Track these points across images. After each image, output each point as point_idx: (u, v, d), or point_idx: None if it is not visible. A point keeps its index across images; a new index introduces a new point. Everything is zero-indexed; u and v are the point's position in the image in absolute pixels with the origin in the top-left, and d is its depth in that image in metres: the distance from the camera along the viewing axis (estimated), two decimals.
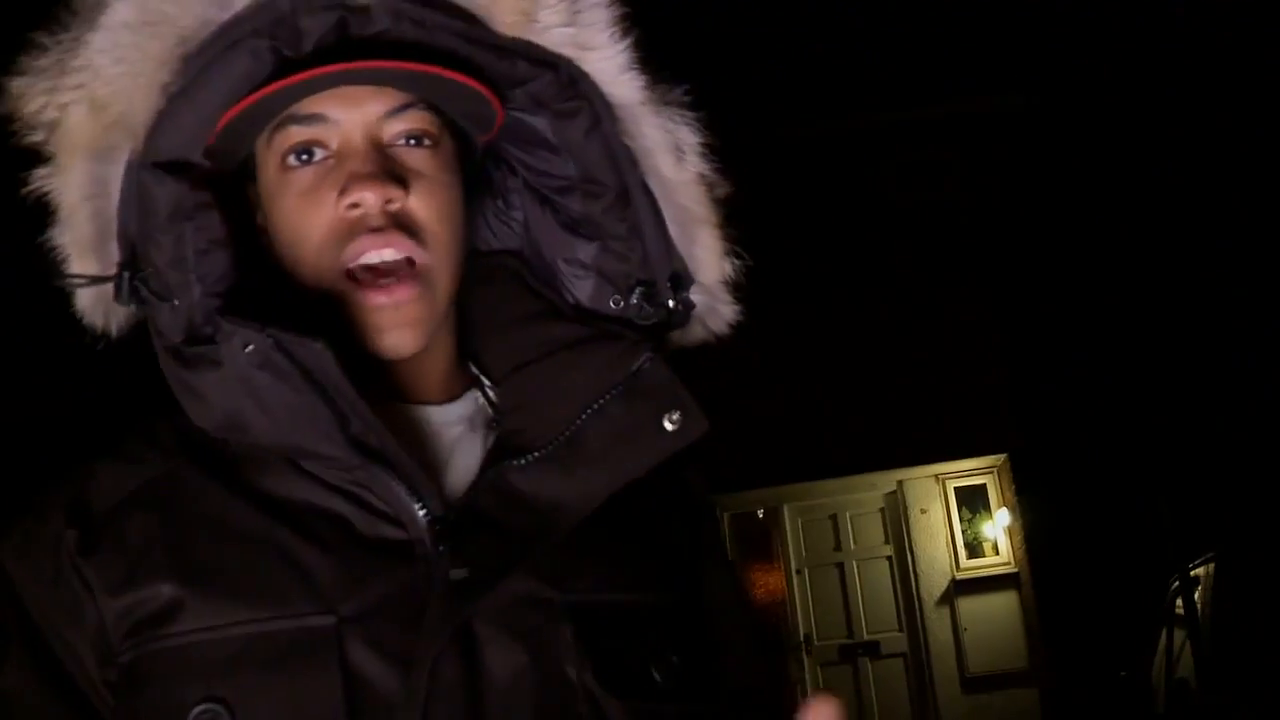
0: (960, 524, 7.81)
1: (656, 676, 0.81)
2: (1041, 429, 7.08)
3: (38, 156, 0.84)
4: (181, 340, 0.82)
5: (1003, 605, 7.66)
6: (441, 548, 0.78)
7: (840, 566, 8.22)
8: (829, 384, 7.25)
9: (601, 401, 0.85)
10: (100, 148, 0.82)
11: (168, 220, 0.82)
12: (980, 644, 7.63)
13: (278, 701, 0.74)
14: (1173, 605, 5.96)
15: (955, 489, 7.85)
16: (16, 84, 0.81)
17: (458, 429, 0.89)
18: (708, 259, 0.92)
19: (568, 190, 0.92)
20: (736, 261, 0.93)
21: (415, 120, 0.85)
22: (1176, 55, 6.26)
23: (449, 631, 0.76)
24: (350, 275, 0.83)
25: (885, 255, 7.40)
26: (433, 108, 0.86)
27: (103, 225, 0.85)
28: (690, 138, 0.90)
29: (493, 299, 0.96)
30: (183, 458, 0.84)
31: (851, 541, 8.23)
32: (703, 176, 0.91)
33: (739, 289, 0.95)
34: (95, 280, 0.86)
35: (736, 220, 0.93)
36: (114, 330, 0.89)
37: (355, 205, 0.82)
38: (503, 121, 0.90)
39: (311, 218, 0.83)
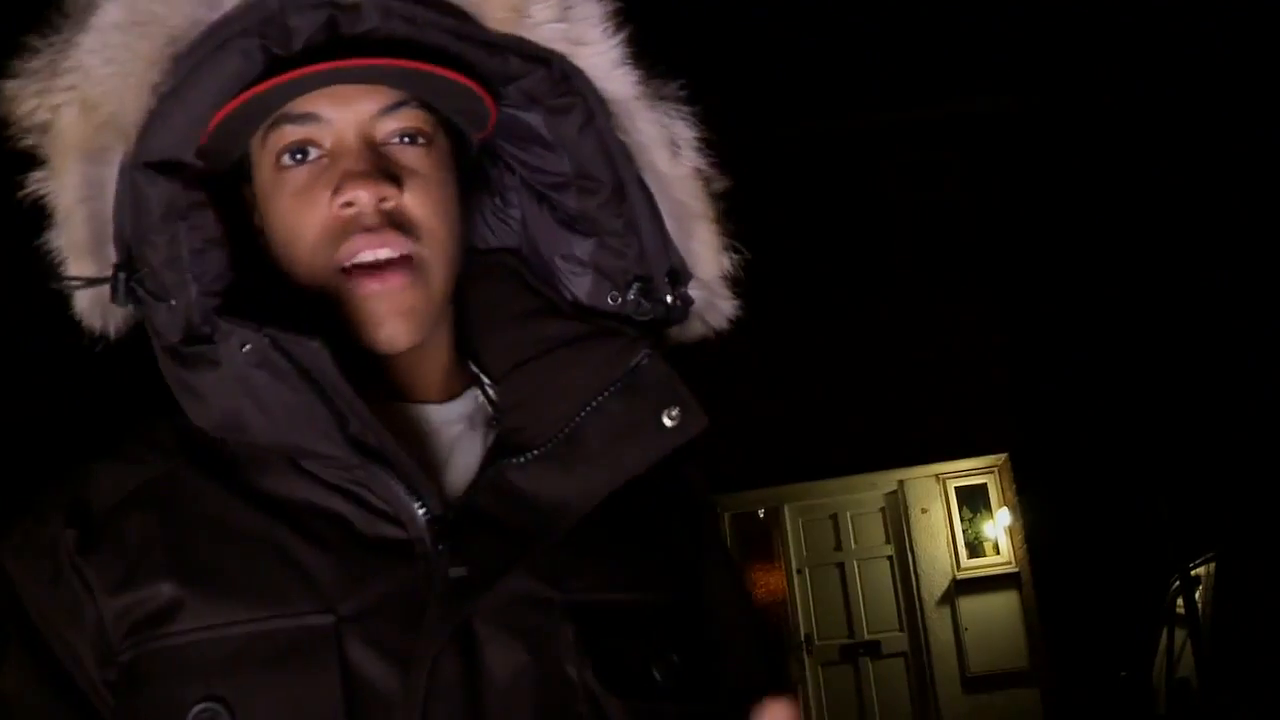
0: (961, 523, 7.81)
1: (657, 676, 0.81)
2: (1042, 429, 7.08)
3: (34, 160, 0.84)
4: (179, 340, 0.82)
5: (1003, 605, 7.66)
6: (441, 547, 0.78)
7: (841, 566, 8.21)
8: (829, 384, 7.25)
9: (600, 398, 0.85)
10: (93, 149, 0.83)
11: (161, 220, 0.82)
12: (981, 644, 7.63)
13: (277, 701, 0.74)
14: (1173, 605, 5.96)
15: (956, 489, 7.85)
16: (9, 86, 0.82)
17: (457, 428, 0.89)
18: (705, 254, 0.92)
19: (563, 186, 0.92)
20: (734, 256, 0.93)
21: (408, 119, 0.85)
22: (1176, 55, 6.27)
23: (448, 630, 0.76)
24: (344, 271, 0.83)
25: (885, 255, 7.40)
26: (426, 106, 0.86)
27: (99, 228, 0.85)
28: (686, 132, 0.90)
29: (491, 297, 0.96)
30: (182, 458, 0.84)
31: (852, 541, 8.23)
32: (699, 171, 0.91)
33: (738, 286, 0.95)
34: (92, 282, 0.86)
35: (737, 220, 0.93)
36: (112, 332, 0.90)
37: (349, 204, 0.82)
38: (497, 118, 0.90)
39: (306, 217, 0.83)
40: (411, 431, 0.87)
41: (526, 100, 0.89)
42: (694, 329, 0.96)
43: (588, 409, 0.85)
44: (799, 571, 8.24)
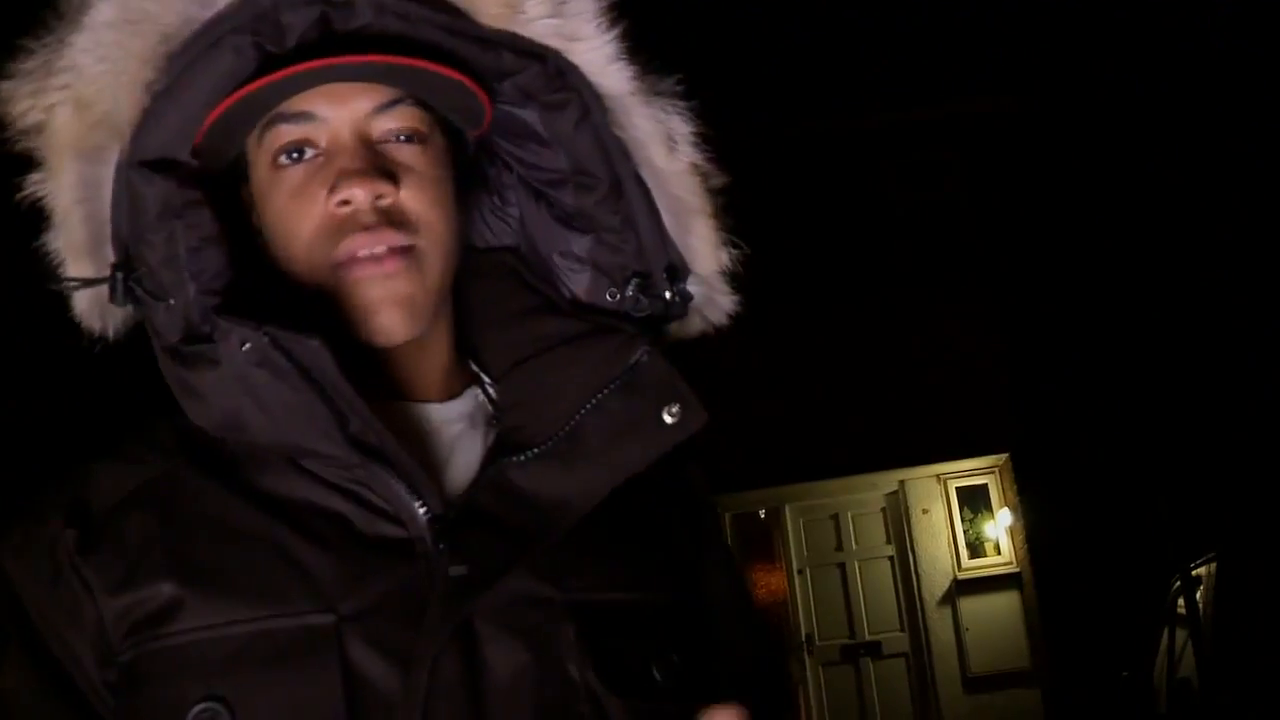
0: (962, 524, 7.80)
1: (657, 675, 0.81)
2: (1042, 429, 7.08)
3: (32, 162, 0.84)
4: (179, 339, 0.82)
5: (1004, 605, 7.66)
6: (441, 546, 0.78)
7: (842, 566, 8.21)
8: (829, 384, 7.25)
9: (600, 396, 0.85)
10: (88, 148, 0.83)
11: (157, 219, 0.82)
12: (982, 644, 7.63)
13: (277, 700, 0.74)
14: (1174, 605, 5.95)
15: (957, 489, 7.84)
16: (4, 88, 0.82)
17: (458, 426, 0.89)
18: (703, 249, 0.92)
19: (560, 183, 0.92)
20: (733, 251, 0.93)
21: (404, 117, 0.85)
22: (1176, 55, 6.26)
23: (449, 629, 0.76)
24: (341, 266, 0.83)
25: (885, 255, 7.39)
26: (422, 104, 0.86)
27: (96, 228, 0.86)
28: (682, 128, 0.90)
29: (490, 295, 0.96)
30: (182, 457, 0.84)
31: (853, 541, 8.23)
32: (696, 166, 0.91)
33: (737, 284, 0.94)
34: (90, 283, 0.86)
35: (736, 219, 0.93)
36: (111, 333, 0.90)
37: (346, 202, 0.82)
38: (492, 115, 0.90)
39: (303, 216, 0.84)
40: (412, 430, 0.87)
41: (522, 96, 0.89)
42: (693, 325, 0.96)
43: (588, 407, 0.85)
44: (800, 572, 8.24)
